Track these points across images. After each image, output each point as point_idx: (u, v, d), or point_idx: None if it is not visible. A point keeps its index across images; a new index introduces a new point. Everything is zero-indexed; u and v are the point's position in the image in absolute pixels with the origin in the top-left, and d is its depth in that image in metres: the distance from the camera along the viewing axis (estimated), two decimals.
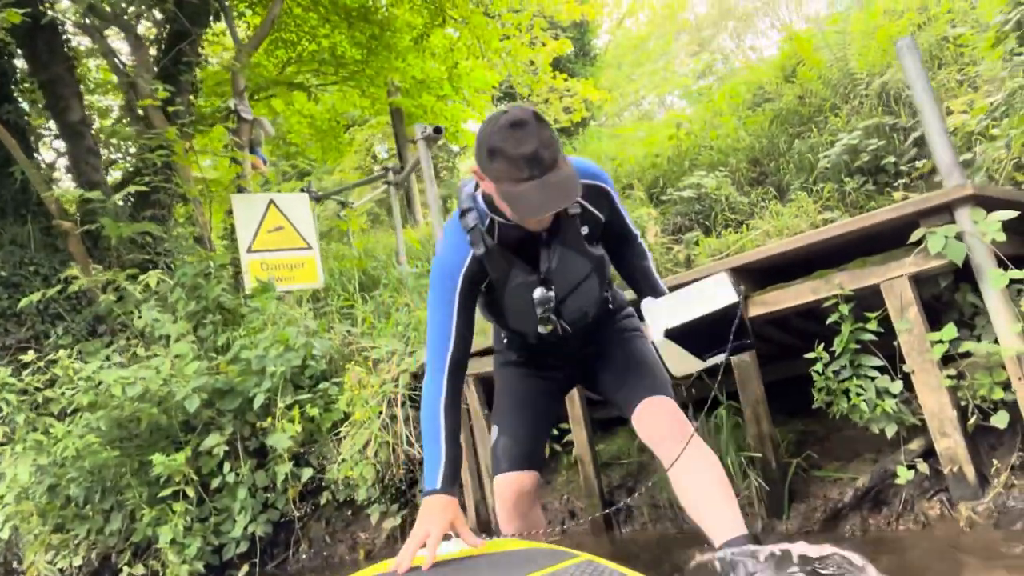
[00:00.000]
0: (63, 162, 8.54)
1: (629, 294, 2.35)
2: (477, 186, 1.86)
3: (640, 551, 3.06)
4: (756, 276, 2.90)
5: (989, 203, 2.35)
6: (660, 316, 1.94)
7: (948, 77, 5.13)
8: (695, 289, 1.94)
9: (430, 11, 11.33)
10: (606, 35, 23.26)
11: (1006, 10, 3.35)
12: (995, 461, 2.33)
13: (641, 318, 2.12)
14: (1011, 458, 2.31)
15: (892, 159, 4.90)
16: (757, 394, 2.86)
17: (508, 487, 2.11)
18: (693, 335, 1.91)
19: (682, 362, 1.98)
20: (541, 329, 1.98)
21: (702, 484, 1.85)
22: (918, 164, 4.77)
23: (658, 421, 1.95)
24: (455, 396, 1.86)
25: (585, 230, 1.93)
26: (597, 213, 1.95)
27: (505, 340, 2.24)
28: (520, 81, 14.11)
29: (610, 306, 2.16)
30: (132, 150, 9.29)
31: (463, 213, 1.88)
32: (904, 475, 2.46)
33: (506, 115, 1.65)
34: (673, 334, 1.89)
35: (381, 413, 4.07)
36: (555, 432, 3.87)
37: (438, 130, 4.28)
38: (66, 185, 7.89)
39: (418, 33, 11.65)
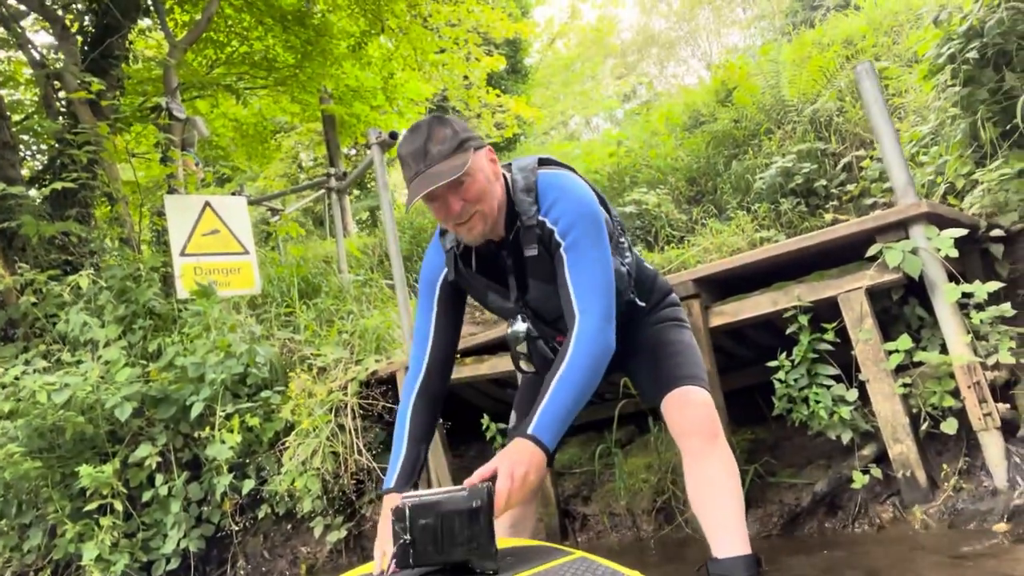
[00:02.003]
0: None
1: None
2: None
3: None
4: (717, 287, 2.98)
5: (940, 221, 2.50)
6: None
7: None
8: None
9: (368, 19, 11.22)
10: (536, 55, 23.59)
11: (939, 45, 3.58)
12: (944, 466, 2.47)
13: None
14: (959, 463, 2.44)
15: (823, 182, 5.16)
16: (717, 403, 2.92)
17: None
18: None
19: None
20: (523, 365, 2.00)
21: (711, 486, 1.83)
22: (848, 187, 5.04)
23: (684, 414, 1.88)
24: (428, 400, 1.87)
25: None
26: (544, 249, 1.80)
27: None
28: (455, 95, 14.13)
29: (641, 304, 2.08)
30: (44, 147, 8.78)
31: (443, 232, 1.92)
32: (859, 480, 2.57)
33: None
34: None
35: (330, 422, 3.95)
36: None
37: (393, 135, 4.22)
38: None
39: (355, 41, 11.51)
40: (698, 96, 7.73)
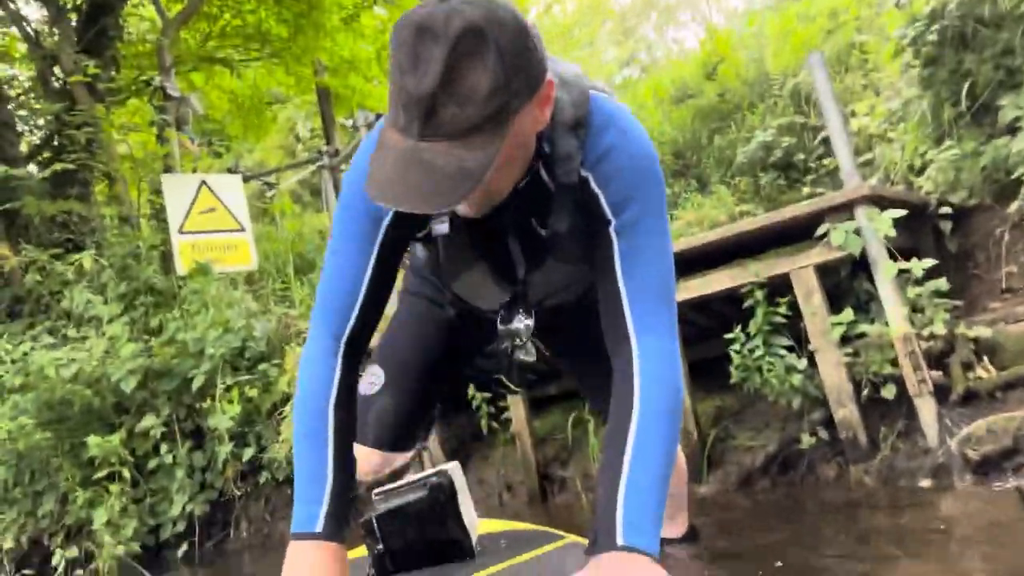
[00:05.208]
0: None
1: None
2: None
3: (574, 517, 3.31)
4: (682, 264, 3.17)
5: (883, 202, 2.68)
6: None
7: (854, 81, 5.56)
8: None
9: None
10: (534, 21, 23.43)
11: (903, 26, 3.71)
12: (883, 428, 2.68)
13: None
14: (897, 425, 2.66)
15: (802, 156, 5.30)
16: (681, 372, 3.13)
17: (364, 464, 1.52)
18: None
19: None
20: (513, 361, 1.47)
21: None
22: (825, 162, 5.18)
23: None
24: (352, 388, 1.24)
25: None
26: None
27: (427, 272, 1.56)
28: None
29: None
30: (40, 122, 8.91)
31: None
32: (807, 441, 2.79)
33: (425, 7, 0.93)
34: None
35: None
36: (492, 409, 4.07)
37: (380, 117, 4.35)
38: None
39: (348, 13, 11.53)
40: (686, 69, 7.83)
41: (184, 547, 4.36)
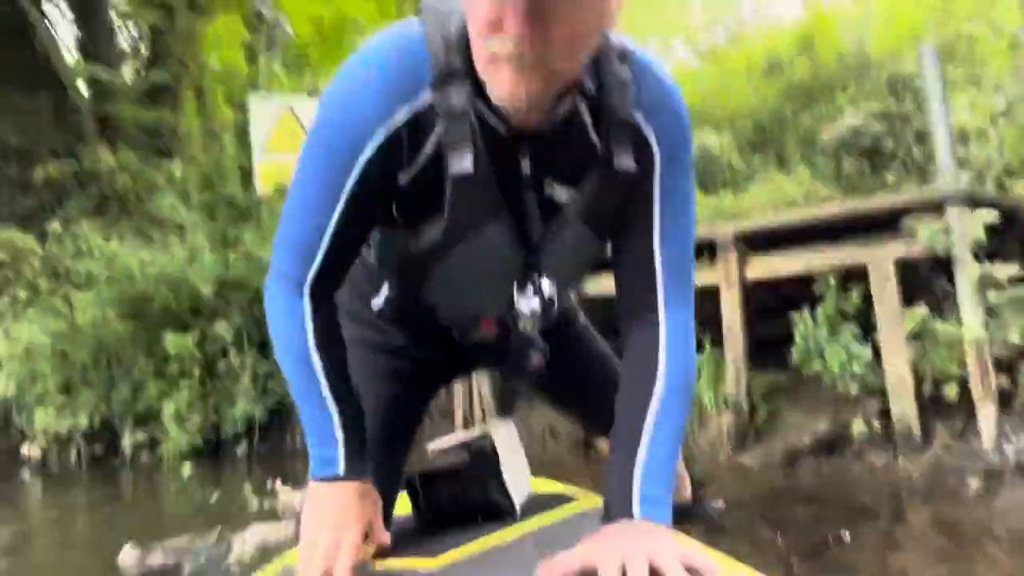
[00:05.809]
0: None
1: None
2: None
3: None
4: (757, 241, 3.18)
5: (975, 203, 2.64)
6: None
7: (957, 73, 5.35)
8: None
9: None
10: None
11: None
12: (939, 426, 2.70)
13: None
14: (954, 425, 2.67)
15: (891, 144, 5.14)
16: (741, 345, 3.18)
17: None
18: None
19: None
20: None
21: None
22: (914, 153, 5.04)
23: None
24: (331, 325, 1.07)
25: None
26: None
27: (380, 303, 1.21)
28: None
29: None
30: (133, 26, 9.16)
31: (446, 77, 0.87)
32: (858, 428, 2.83)
33: None
34: None
35: None
36: None
37: None
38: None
39: None
40: (780, 40, 7.60)
41: (243, 446, 4.64)
